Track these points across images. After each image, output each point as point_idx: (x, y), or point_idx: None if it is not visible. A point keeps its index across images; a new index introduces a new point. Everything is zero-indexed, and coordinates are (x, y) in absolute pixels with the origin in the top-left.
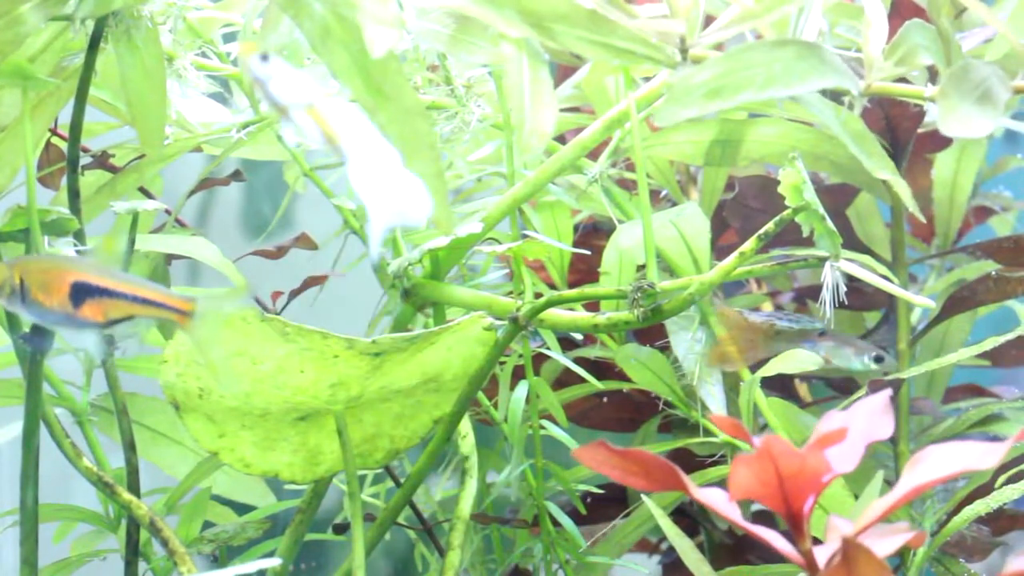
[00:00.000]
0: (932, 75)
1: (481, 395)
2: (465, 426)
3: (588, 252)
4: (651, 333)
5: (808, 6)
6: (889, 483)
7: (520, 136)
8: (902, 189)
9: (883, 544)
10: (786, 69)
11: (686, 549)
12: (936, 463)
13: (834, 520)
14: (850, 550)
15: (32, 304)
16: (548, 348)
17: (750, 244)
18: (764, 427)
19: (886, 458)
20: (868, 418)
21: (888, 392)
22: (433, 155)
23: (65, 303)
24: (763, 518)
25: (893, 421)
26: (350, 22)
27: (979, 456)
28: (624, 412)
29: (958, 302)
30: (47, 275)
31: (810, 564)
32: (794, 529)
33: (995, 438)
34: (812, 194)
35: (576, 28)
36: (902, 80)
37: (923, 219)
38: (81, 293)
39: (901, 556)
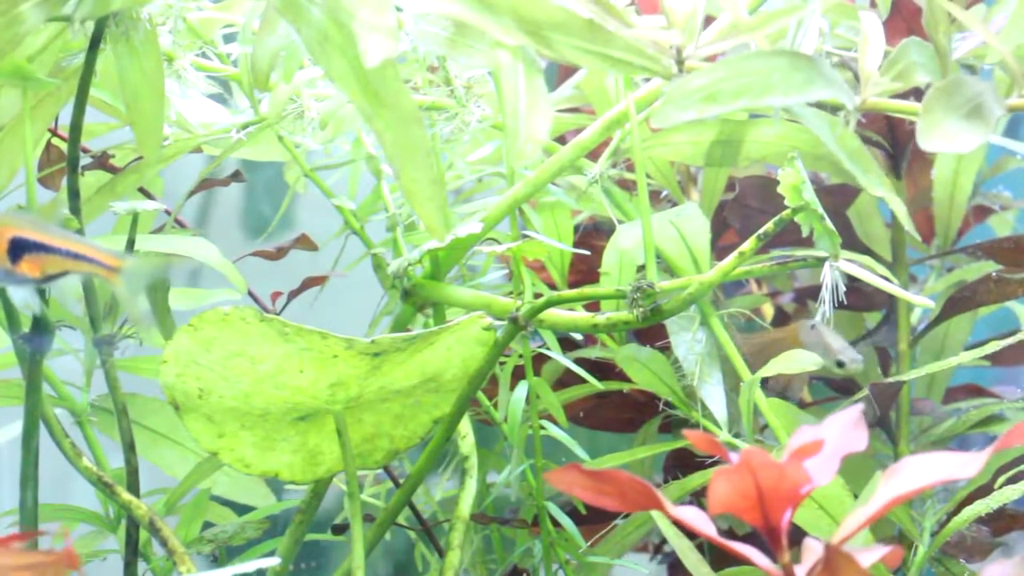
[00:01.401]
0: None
1: (481, 395)
2: (465, 426)
3: (588, 252)
4: (652, 333)
5: (806, 19)
6: None
7: (514, 143)
8: (897, 207)
9: (861, 558)
10: (784, 79)
11: (685, 550)
12: (914, 473)
13: (809, 541)
14: (833, 558)
15: None
16: (548, 348)
17: (749, 244)
18: (764, 427)
19: (887, 459)
20: (842, 431)
21: (860, 406)
22: (430, 162)
23: (3, 259)
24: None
25: (867, 433)
26: (348, 28)
27: (958, 466)
28: (624, 412)
29: (958, 303)
30: None
31: None
32: (773, 543)
33: (995, 439)
34: (811, 194)
35: (573, 37)
36: (908, 94)
37: (917, 236)
38: (19, 249)
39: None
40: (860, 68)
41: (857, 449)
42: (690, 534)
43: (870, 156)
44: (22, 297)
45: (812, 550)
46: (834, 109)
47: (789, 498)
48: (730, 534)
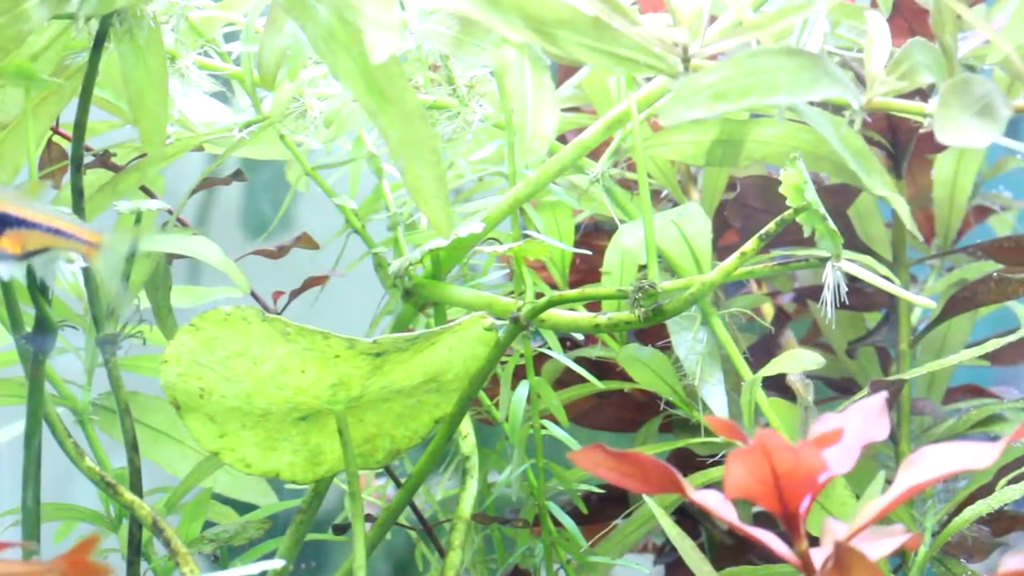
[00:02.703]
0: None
1: (482, 395)
2: (466, 426)
3: (589, 252)
4: (653, 333)
5: (812, 18)
6: (891, 483)
7: (521, 140)
8: (901, 207)
9: (878, 547)
10: (792, 78)
11: (687, 549)
12: (931, 463)
13: (830, 523)
14: (843, 554)
15: None
16: (549, 348)
17: (751, 244)
18: (765, 427)
19: (887, 458)
20: (864, 420)
21: (884, 394)
22: (434, 159)
23: None
24: (765, 520)
25: (889, 423)
26: (353, 26)
27: (974, 456)
28: (625, 412)
29: (959, 303)
30: None
31: (806, 566)
32: (790, 530)
33: (995, 439)
34: (813, 194)
35: (579, 35)
36: (912, 94)
37: (919, 236)
38: (0, 224)
39: (902, 556)
40: (866, 67)
41: (879, 438)
42: (691, 534)
43: (873, 156)
44: (2, 272)
45: (833, 533)
46: (836, 110)
47: (807, 484)
48: (731, 532)
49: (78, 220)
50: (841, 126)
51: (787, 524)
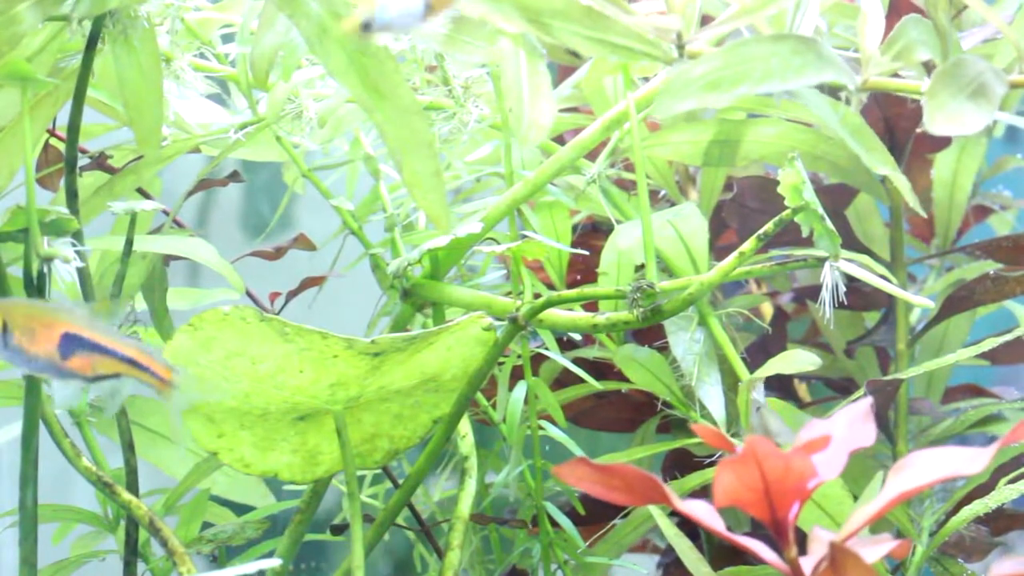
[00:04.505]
0: (930, 72)
1: (480, 395)
2: (464, 426)
3: (587, 252)
4: (650, 333)
5: (805, 1)
6: None
7: (518, 129)
8: (902, 184)
9: (869, 551)
10: (783, 64)
11: (685, 549)
12: (921, 469)
13: (817, 531)
14: (838, 555)
15: (14, 349)
16: (547, 348)
17: (749, 244)
18: None
19: (886, 458)
20: (850, 426)
21: (870, 400)
22: (431, 154)
23: (52, 352)
24: (759, 525)
25: (875, 428)
26: None
27: (965, 461)
28: (623, 412)
29: (957, 302)
30: (34, 321)
31: (796, 572)
32: (779, 537)
33: (994, 438)
34: (811, 194)
35: (573, 24)
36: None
37: (923, 214)
38: (72, 345)
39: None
40: (860, 48)
41: (865, 444)
42: (689, 534)
43: (873, 134)
44: (67, 395)
45: (820, 540)
46: (834, 95)
47: (796, 491)
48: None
49: (151, 350)
50: (839, 106)
51: (776, 531)
